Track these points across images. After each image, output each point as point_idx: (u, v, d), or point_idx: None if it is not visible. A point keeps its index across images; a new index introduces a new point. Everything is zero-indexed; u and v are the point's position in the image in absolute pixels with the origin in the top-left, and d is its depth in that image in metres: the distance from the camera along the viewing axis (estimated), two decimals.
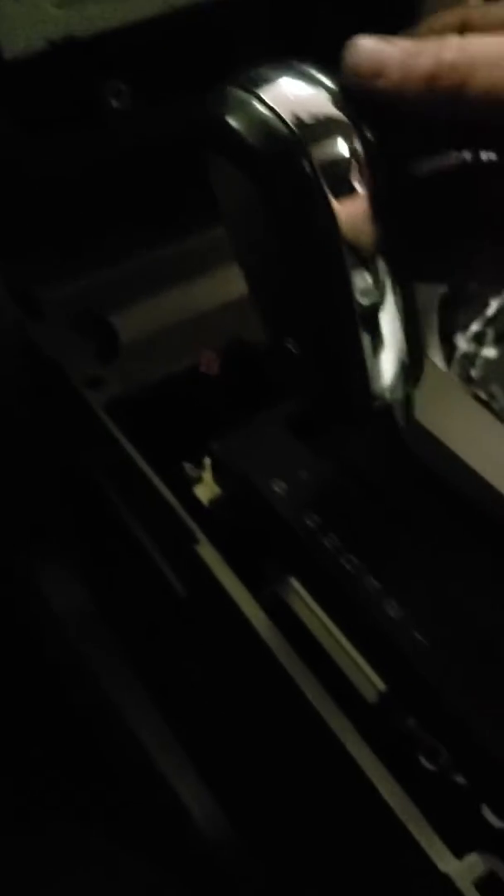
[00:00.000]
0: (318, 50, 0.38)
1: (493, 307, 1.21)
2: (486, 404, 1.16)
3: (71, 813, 0.73)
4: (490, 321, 1.23)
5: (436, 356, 0.98)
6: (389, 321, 0.40)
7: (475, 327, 1.22)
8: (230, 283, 0.42)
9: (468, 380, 1.20)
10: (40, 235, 0.63)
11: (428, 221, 0.41)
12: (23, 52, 0.55)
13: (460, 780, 0.43)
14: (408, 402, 0.44)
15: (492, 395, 1.17)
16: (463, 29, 0.36)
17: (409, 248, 0.39)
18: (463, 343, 1.21)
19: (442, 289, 1.23)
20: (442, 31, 0.37)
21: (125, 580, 0.63)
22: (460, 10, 0.37)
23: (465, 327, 1.21)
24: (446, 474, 0.51)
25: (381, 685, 0.48)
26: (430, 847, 0.41)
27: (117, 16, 0.56)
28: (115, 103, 0.62)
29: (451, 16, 0.37)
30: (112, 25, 0.56)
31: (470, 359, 1.22)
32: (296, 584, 0.52)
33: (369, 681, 0.48)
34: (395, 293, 0.40)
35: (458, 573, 0.47)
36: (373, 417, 0.43)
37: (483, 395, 1.16)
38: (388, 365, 0.41)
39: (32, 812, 0.75)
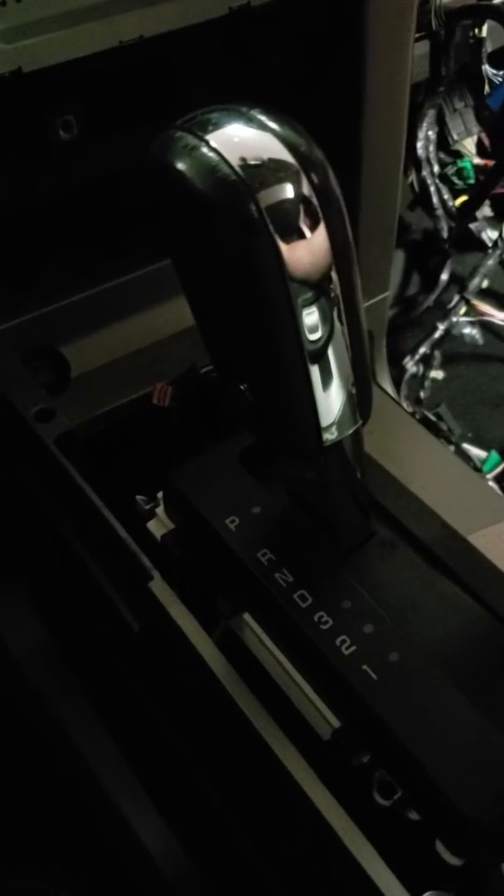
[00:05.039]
0: (261, 85, 0.38)
1: (440, 330, 1.23)
2: (433, 425, 1.17)
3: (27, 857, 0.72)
4: (437, 344, 1.24)
5: (385, 379, 0.99)
6: (337, 357, 0.41)
7: (423, 350, 1.23)
8: (182, 314, 0.42)
9: (417, 401, 1.21)
10: None
11: None
12: None
13: (414, 816, 0.43)
14: (357, 436, 0.44)
15: (439, 416, 1.19)
16: None
17: None
18: (411, 365, 1.23)
19: (391, 313, 1.24)
20: None
21: (81, 616, 0.62)
22: None
23: (414, 350, 1.23)
24: (392, 504, 0.51)
25: (334, 721, 0.47)
26: (386, 888, 0.41)
27: (66, 50, 0.55)
28: (63, 135, 0.62)
29: None
30: (61, 60, 0.55)
31: (418, 380, 1.24)
32: (249, 619, 0.51)
33: (322, 716, 0.48)
34: (342, 328, 0.40)
35: (409, 606, 0.47)
36: (323, 453, 0.43)
37: (431, 416, 1.18)
38: (336, 401, 0.42)
39: None
